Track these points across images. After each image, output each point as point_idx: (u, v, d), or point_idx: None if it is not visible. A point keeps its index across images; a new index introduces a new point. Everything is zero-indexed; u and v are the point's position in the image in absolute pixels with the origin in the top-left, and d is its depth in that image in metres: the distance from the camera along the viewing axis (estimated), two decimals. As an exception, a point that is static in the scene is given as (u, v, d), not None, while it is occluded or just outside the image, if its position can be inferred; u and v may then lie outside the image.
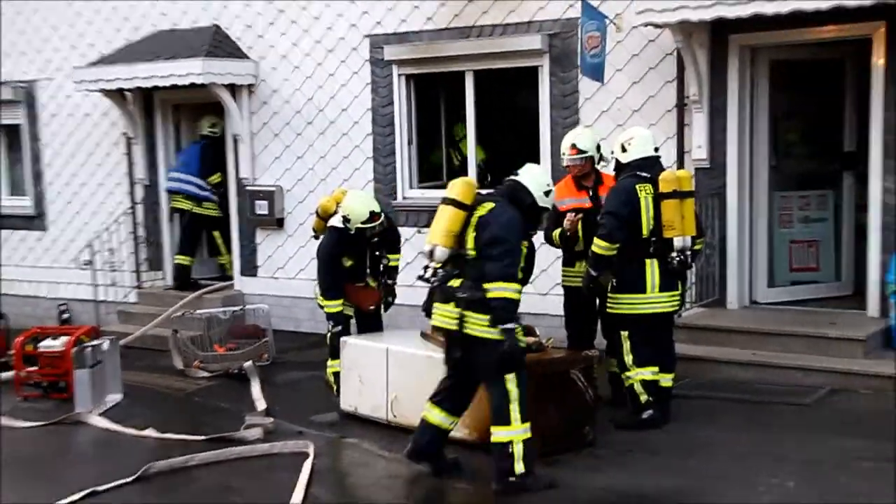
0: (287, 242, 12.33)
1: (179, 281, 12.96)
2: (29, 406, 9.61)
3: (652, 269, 7.59)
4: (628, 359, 7.69)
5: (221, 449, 7.72)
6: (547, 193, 6.84)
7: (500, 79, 11.06)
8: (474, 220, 6.65)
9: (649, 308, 7.64)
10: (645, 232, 7.57)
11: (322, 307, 9.05)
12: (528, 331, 7.16)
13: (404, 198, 11.49)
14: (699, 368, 8.82)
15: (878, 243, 9.12)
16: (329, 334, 9.00)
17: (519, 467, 6.52)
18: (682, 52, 9.43)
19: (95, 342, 9.63)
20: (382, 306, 9.34)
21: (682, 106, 9.73)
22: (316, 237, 9.52)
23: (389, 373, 8.08)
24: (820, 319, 9.33)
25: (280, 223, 12.32)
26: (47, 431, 8.81)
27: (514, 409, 6.52)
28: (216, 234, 13.11)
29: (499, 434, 6.58)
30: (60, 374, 9.69)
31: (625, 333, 7.71)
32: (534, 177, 6.85)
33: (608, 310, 7.88)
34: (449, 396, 6.89)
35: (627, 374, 7.71)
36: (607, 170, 8.20)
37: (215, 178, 12.81)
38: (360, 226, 8.77)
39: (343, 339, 8.67)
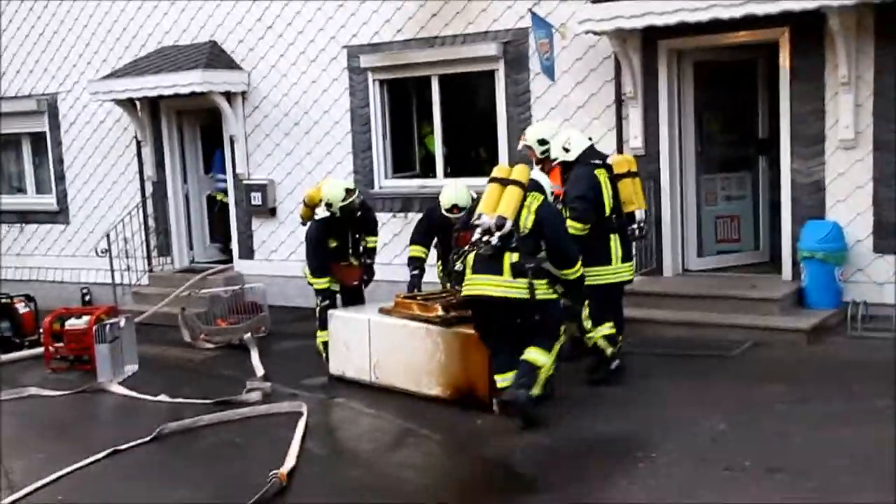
0: (279, 229, 12.19)
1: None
2: (57, 377, 9.54)
3: (616, 242, 7.48)
4: (587, 323, 7.53)
5: (226, 410, 7.66)
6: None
7: (461, 82, 10.98)
8: (532, 204, 6.66)
9: (615, 277, 7.52)
10: (607, 210, 7.46)
11: (311, 284, 8.91)
12: None
13: (381, 187, 11.38)
14: (640, 328, 8.75)
15: (789, 216, 9.18)
16: (318, 308, 8.87)
17: (536, 390, 6.58)
18: (619, 55, 9.45)
19: (114, 320, 9.60)
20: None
21: (619, 102, 9.74)
22: (304, 223, 9.40)
23: (371, 340, 7.98)
24: (742, 283, 9.37)
25: (273, 212, 12.19)
26: (73, 399, 8.74)
27: (557, 347, 6.74)
28: None
29: (536, 356, 6.62)
30: (84, 349, 9.62)
31: (587, 301, 7.53)
32: (545, 179, 7.10)
33: None
34: (507, 361, 6.78)
35: (590, 334, 7.55)
36: None
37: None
38: (342, 205, 8.64)
39: (330, 312, 8.57)
